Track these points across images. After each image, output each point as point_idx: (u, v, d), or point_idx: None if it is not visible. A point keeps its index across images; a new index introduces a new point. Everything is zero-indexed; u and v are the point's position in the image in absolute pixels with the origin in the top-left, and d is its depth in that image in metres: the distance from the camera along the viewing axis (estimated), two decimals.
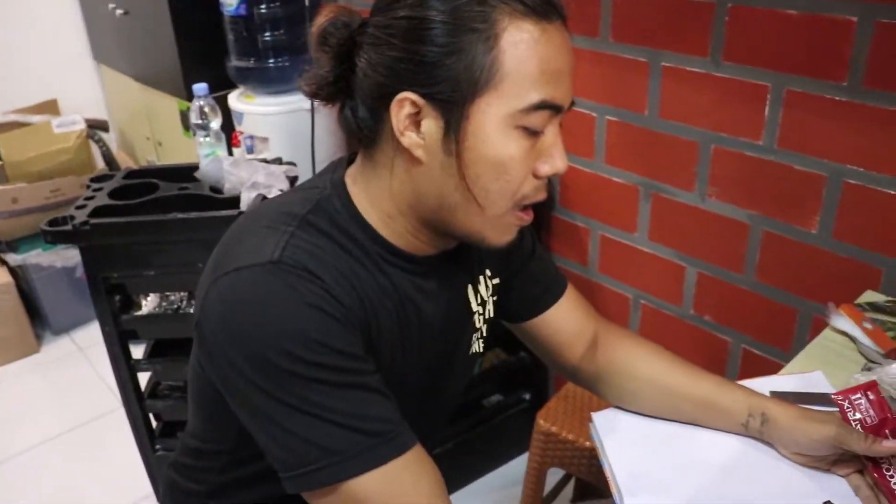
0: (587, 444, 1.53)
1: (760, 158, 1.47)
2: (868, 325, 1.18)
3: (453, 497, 0.88)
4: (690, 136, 1.57)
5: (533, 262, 1.07)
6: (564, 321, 1.08)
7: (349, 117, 0.84)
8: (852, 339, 1.19)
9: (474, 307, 0.98)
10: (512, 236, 0.85)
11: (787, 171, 1.43)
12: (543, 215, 1.99)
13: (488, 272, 1.01)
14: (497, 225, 0.83)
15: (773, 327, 1.57)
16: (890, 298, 1.26)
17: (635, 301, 1.85)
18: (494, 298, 1.03)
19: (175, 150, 2.88)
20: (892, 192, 1.31)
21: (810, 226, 1.43)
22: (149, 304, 1.93)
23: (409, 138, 0.78)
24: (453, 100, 0.76)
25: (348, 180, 0.86)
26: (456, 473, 2.12)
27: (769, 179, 1.47)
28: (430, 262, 0.89)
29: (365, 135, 0.83)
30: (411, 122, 0.78)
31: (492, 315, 1.03)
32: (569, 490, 1.89)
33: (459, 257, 0.93)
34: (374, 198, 0.84)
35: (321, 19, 0.82)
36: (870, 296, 1.30)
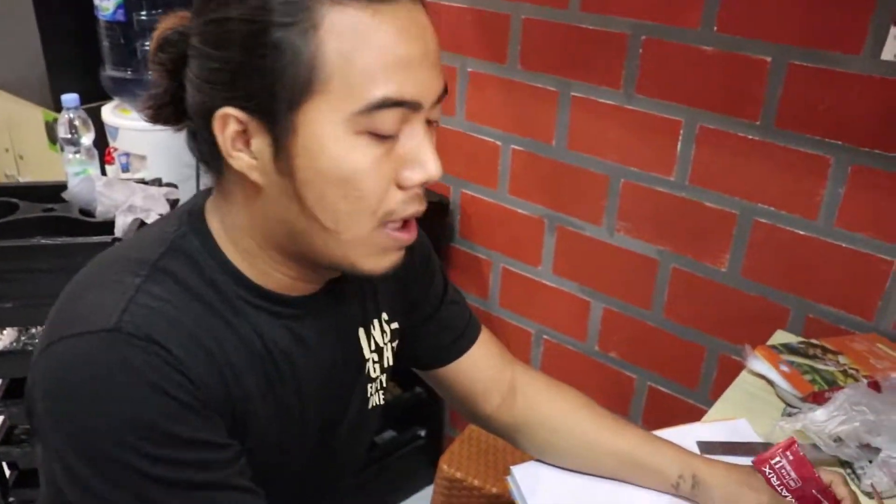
0: (493, 490, 1.46)
1: (671, 194, 1.45)
2: (785, 368, 1.16)
3: None
4: (599, 169, 1.54)
5: (444, 307, 0.97)
6: (479, 369, 0.99)
7: (191, 142, 0.72)
8: (770, 382, 1.17)
9: (367, 354, 0.87)
10: (393, 261, 0.73)
11: (698, 208, 1.42)
12: (442, 246, 1.91)
13: (385, 315, 0.90)
14: (365, 249, 0.70)
15: (679, 365, 1.55)
16: (803, 339, 1.26)
17: (537, 336, 1.80)
18: (394, 345, 0.92)
19: (39, 164, 2.64)
20: (801, 233, 1.31)
21: (720, 263, 1.42)
22: (4, 338, 1.71)
23: (238, 160, 0.67)
24: (275, 111, 0.64)
25: (208, 214, 0.74)
26: None
27: (680, 216, 1.45)
28: (308, 304, 0.77)
29: (207, 161, 0.71)
30: (241, 141, 0.66)
31: (391, 363, 0.93)
32: None
33: (347, 297, 0.82)
34: (230, 232, 0.72)
35: (157, 31, 0.70)
36: (782, 336, 1.29)
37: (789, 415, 1.09)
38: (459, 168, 1.80)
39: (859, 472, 1.01)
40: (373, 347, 0.88)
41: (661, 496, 0.93)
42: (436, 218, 1.84)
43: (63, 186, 1.62)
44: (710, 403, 1.14)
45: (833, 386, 1.12)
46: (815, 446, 1.01)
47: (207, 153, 0.70)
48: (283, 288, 0.75)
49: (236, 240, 0.72)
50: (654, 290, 1.53)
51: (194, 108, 0.68)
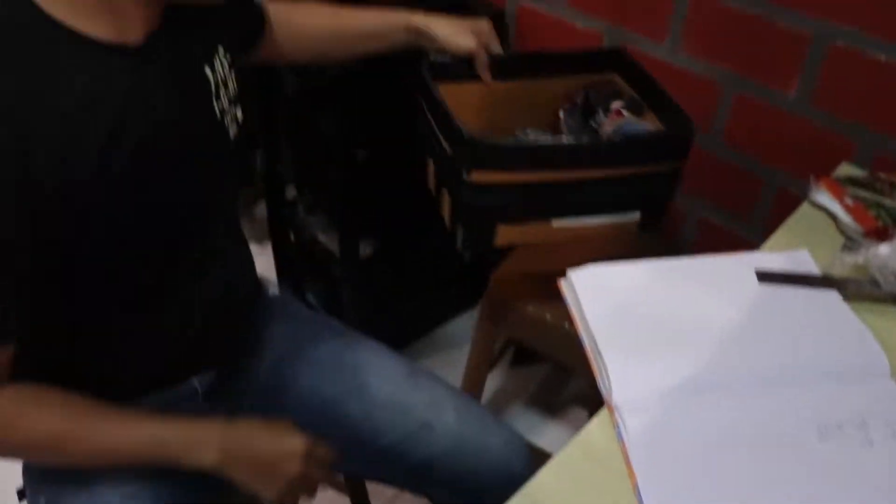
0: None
1: (741, 11, 1.35)
2: (849, 202, 1.13)
3: None
4: None
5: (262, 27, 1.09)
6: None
7: None
8: (832, 215, 1.13)
9: (214, 89, 0.88)
10: None
11: (769, 28, 1.32)
12: None
13: (221, 49, 0.90)
14: None
15: (734, 194, 1.52)
16: (870, 173, 1.21)
17: None
18: (233, 74, 0.93)
19: None
20: (883, 58, 1.22)
21: (789, 88, 1.35)
22: None
23: None
24: None
25: None
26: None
27: (749, 35, 1.36)
28: (148, 49, 0.77)
29: None
30: None
31: (236, 92, 0.93)
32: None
33: (185, 32, 0.82)
34: None
35: None
36: (846, 169, 1.25)
37: (849, 248, 1.07)
38: None
39: None
40: (218, 80, 0.88)
41: (721, 294, 0.96)
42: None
43: None
44: (762, 238, 1.11)
45: None
46: (874, 282, 0.99)
47: None
48: (116, 35, 0.73)
49: None
50: (716, 113, 1.47)
51: None
